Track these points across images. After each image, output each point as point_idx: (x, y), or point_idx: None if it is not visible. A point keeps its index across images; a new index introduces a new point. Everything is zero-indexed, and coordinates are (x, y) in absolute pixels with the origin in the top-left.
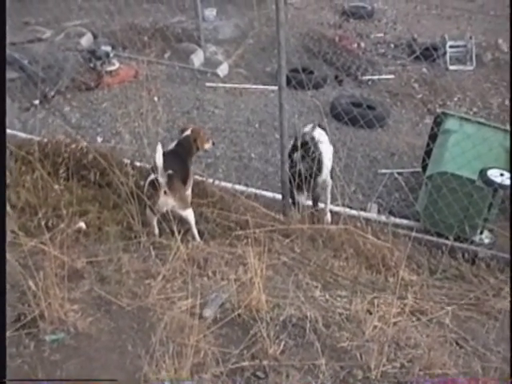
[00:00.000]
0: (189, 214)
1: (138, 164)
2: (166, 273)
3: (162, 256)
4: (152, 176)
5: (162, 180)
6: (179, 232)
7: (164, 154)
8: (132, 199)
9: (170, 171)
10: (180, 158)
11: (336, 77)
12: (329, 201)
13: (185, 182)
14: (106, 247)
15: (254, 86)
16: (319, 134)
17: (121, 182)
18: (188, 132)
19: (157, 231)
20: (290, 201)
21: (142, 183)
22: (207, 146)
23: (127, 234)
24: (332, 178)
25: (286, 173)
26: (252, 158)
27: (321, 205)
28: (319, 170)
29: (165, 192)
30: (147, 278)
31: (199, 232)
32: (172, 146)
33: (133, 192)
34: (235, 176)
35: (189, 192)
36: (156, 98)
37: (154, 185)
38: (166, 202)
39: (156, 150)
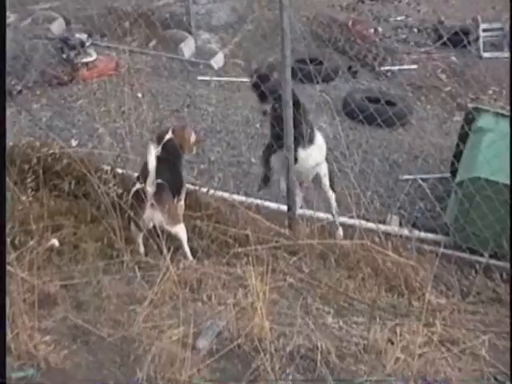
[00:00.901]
0: (179, 231)
1: (119, 171)
2: (154, 297)
3: (148, 278)
4: (137, 185)
5: (150, 190)
6: (169, 250)
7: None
8: (113, 212)
9: (159, 180)
10: (169, 164)
11: (349, 68)
12: (334, 210)
13: (177, 192)
14: (83, 268)
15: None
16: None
17: (100, 191)
18: (169, 135)
19: (142, 249)
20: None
21: (124, 193)
22: (194, 144)
23: (108, 252)
24: (333, 185)
25: (292, 181)
26: (252, 163)
27: (328, 216)
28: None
29: (152, 205)
30: (132, 304)
31: (192, 249)
32: (156, 151)
33: (114, 203)
34: (233, 184)
35: (181, 204)
36: (140, 95)
37: (139, 196)
38: (153, 216)
39: (148, 150)
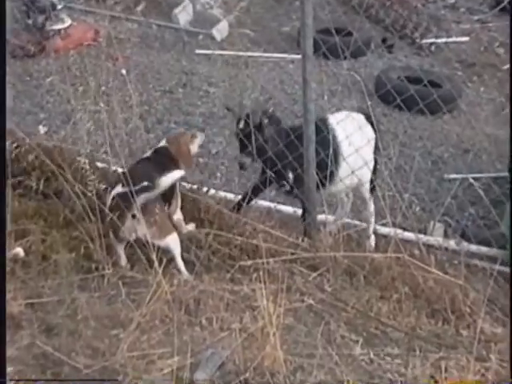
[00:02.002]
0: (170, 243)
1: (100, 165)
2: (142, 319)
3: (135, 296)
4: (119, 187)
5: (139, 201)
6: (160, 261)
7: (137, 162)
8: (92, 215)
9: (146, 183)
10: (160, 166)
11: (384, 40)
12: (372, 219)
13: (167, 200)
14: (53, 283)
15: (266, 54)
16: (349, 121)
17: (75, 190)
18: (163, 143)
19: (124, 261)
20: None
21: (107, 192)
22: (194, 150)
23: (85, 264)
24: (373, 189)
25: (312, 177)
26: None
27: (358, 223)
28: (330, 175)
29: (133, 216)
30: (114, 328)
31: (188, 262)
32: (148, 153)
33: (93, 204)
34: (239, 183)
35: (178, 215)
36: (124, 71)
37: (120, 200)
38: (134, 228)
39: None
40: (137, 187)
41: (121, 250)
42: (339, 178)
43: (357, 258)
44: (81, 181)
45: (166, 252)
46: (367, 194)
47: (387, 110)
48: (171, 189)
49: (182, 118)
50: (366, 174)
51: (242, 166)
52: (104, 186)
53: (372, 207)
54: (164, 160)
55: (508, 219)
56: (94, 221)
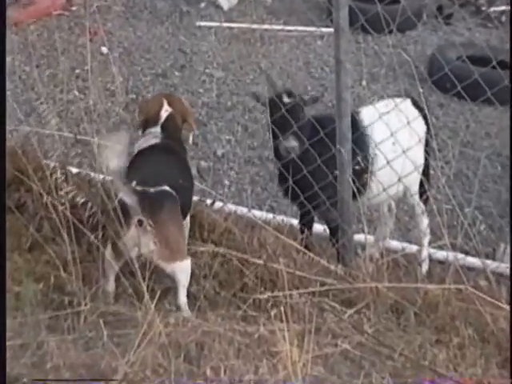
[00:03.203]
0: (179, 271)
1: (74, 170)
2: (129, 370)
3: (120, 339)
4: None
5: (131, 200)
6: (152, 293)
7: (142, 153)
8: (65, 234)
9: (166, 187)
10: (175, 157)
11: (440, 8)
12: (426, 240)
13: (186, 207)
14: (15, 323)
15: (288, 28)
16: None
17: (43, 203)
18: (167, 108)
19: (112, 287)
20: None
21: (87, 204)
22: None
23: (55, 297)
24: (426, 200)
25: (347, 186)
26: None
27: (407, 245)
28: (363, 183)
29: (139, 223)
30: (94, 380)
31: (189, 294)
32: (153, 136)
33: (66, 220)
34: (253, 193)
35: (187, 222)
36: (105, 49)
37: (125, 206)
38: (140, 240)
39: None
40: (152, 191)
41: (112, 271)
42: (376, 185)
43: (405, 291)
44: (50, 190)
45: (161, 279)
46: (418, 207)
47: (444, 100)
48: (190, 187)
49: None
50: (415, 180)
51: (285, 155)
52: (79, 200)
53: (425, 224)
54: (176, 141)
55: None
56: (68, 242)
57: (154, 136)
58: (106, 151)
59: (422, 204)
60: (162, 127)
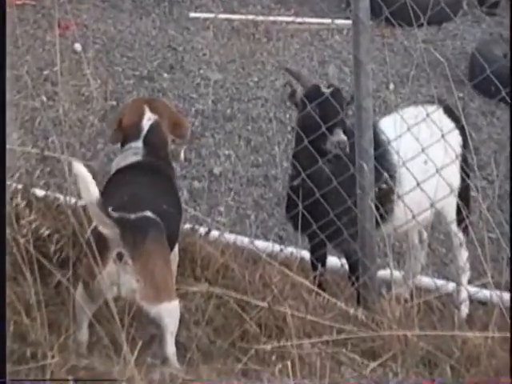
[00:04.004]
0: (166, 314)
1: (40, 193)
2: None
3: None
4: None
5: (110, 231)
6: (133, 342)
7: (120, 172)
8: (28, 272)
9: (149, 212)
10: (160, 177)
11: None
12: (466, 278)
13: (173, 237)
14: None
15: (299, 20)
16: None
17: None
18: (150, 115)
19: (85, 336)
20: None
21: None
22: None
23: (16, 348)
24: (465, 227)
25: (369, 211)
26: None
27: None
28: (387, 207)
29: (119, 256)
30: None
31: (178, 343)
32: (133, 153)
33: (29, 256)
34: (256, 220)
35: (176, 253)
36: (78, 46)
37: (101, 237)
38: (120, 277)
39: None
40: (133, 217)
41: (85, 316)
42: (404, 211)
43: (440, 339)
44: (9, 220)
45: (143, 326)
46: (455, 238)
47: (488, 106)
48: (178, 212)
49: None
50: (451, 205)
51: (334, 150)
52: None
53: (464, 258)
54: (161, 157)
55: None
56: (32, 281)
57: (134, 152)
58: (83, 179)
59: (460, 234)
60: (145, 141)
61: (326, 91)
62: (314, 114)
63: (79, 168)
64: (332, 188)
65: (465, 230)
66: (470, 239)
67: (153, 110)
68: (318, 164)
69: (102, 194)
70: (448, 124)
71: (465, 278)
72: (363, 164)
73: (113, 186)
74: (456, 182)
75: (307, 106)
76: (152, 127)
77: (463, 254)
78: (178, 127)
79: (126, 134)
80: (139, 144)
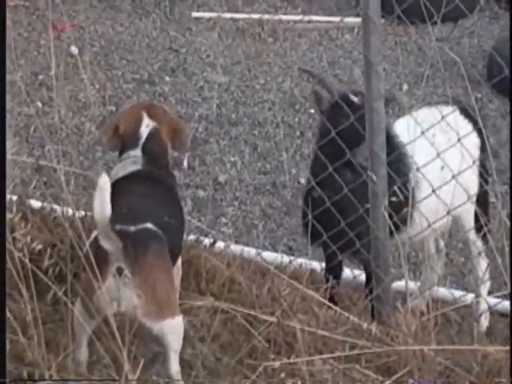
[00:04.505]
0: (169, 331)
1: (37, 204)
2: None
3: None
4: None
5: (112, 245)
6: (134, 363)
7: (119, 183)
8: (24, 288)
9: (150, 224)
10: (161, 187)
11: None
12: (486, 289)
13: (176, 250)
14: None
15: (306, 18)
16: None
17: None
18: (148, 121)
19: (84, 355)
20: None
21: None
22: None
23: (12, 368)
24: (484, 236)
25: (382, 220)
26: (301, 187)
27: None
28: (404, 216)
29: (119, 271)
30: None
31: (182, 361)
32: (132, 162)
33: (25, 270)
34: (264, 230)
35: (179, 266)
36: (75, 49)
37: (100, 250)
38: (120, 293)
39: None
40: (133, 229)
41: (84, 333)
42: (419, 219)
43: (459, 354)
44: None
45: (146, 344)
46: (474, 247)
47: (507, 107)
48: (181, 224)
49: None
50: (468, 213)
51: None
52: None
53: (483, 268)
54: (161, 166)
55: None
56: (28, 297)
57: (133, 161)
58: (102, 194)
59: (478, 242)
60: (144, 149)
61: (355, 100)
62: (321, 130)
63: (105, 183)
64: (356, 197)
65: (483, 238)
66: (490, 248)
67: (151, 116)
68: (344, 175)
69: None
70: (465, 126)
71: (484, 289)
72: (375, 170)
73: (112, 197)
74: (474, 187)
75: (335, 114)
76: (151, 134)
77: (482, 264)
78: (179, 134)
79: (123, 141)
80: (138, 152)
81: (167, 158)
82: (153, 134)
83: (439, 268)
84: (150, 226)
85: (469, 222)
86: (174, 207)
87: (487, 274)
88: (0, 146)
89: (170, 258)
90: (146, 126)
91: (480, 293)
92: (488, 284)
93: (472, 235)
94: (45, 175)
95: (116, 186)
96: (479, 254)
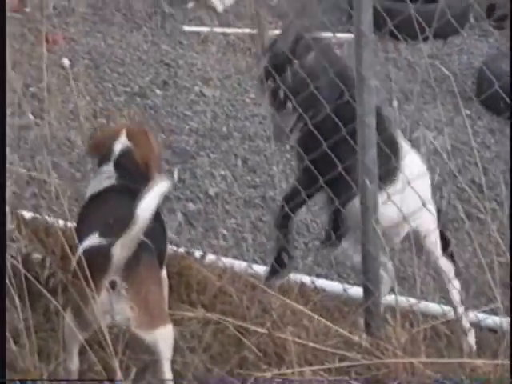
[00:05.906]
0: (161, 339)
1: (28, 215)
2: None
3: None
4: (91, 239)
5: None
6: (126, 371)
7: (96, 198)
8: (16, 296)
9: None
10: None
11: (490, 8)
12: (461, 309)
13: (162, 257)
14: None
15: None
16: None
17: None
18: (123, 141)
19: (76, 365)
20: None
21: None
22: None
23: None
24: (451, 254)
25: (373, 234)
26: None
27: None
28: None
29: (112, 285)
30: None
31: (174, 371)
32: (107, 176)
33: (16, 279)
34: (255, 243)
35: (164, 277)
36: (66, 61)
37: (93, 261)
38: (114, 306)
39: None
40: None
41: (75, 342)
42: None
43: (448, 367)
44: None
45: (136, 353)
46: (439, 259)
47: (496, 124)
48: (163, 236)
49: (160, 137)
50: (427, 221)
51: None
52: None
53: (456, 289)
54: (135, 180)
55: None
56: (20, 306)
57: (107, 176)
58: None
59: (445, 261)
60: (116, 164)
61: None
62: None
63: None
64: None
65: (450, 258)
66: (479, 263)
67: (130, 137)
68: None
69: (82, 219)
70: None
71: (460, 309)
72: (367, 183)
73: (94, 211)
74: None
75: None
76: (123, 151)
77: (455, 285)
78: (153, 158)
79: (99, 157)
80: (110, 167)
81: (142, 175)
82: (126, 152)
83: (390, 271)
84: (141, 237)
85: (429, 231)
86: (157, 217)
87: (458, 296)
88: (0, 155)
89: (157, 265)
90: (120, 144)
91: (458, 314)
92: (462, 307)
93: (435, 246)
94: (36, 186)
95: (92, 201)
96: (444, 266)
